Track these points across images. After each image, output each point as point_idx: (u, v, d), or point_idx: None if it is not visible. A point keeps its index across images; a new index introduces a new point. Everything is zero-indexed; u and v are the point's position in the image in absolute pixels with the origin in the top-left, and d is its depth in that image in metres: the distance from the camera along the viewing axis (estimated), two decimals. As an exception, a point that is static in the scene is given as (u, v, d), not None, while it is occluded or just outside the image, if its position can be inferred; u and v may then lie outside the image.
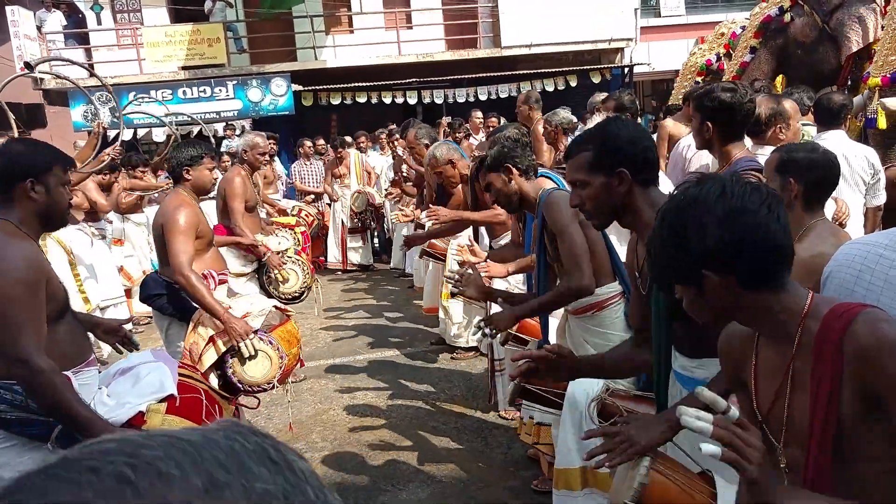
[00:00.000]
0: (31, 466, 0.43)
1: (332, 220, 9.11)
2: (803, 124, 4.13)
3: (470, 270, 3.27)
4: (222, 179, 5.00)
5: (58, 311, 2.28)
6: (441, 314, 5.56)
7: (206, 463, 0.44)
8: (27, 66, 5.01)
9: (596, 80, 13.85)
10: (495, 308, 4.18)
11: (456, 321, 5.44)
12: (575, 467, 2.56)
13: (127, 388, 2.48)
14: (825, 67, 6.25)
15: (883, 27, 5.63)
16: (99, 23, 14.88)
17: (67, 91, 12.56)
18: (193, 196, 3.64)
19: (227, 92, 13.25)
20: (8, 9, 12.67)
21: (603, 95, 6.29)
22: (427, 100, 13.83)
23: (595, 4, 13.85)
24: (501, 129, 4.91)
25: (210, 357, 3.37)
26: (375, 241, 9.90)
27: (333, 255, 9.17)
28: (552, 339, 3.15)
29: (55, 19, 14.33)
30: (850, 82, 6.12)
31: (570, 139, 5.22)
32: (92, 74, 6.16)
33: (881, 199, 4.03)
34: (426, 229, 5.37)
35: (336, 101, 13.55)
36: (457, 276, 3.21)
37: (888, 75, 5.15)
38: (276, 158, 9.34)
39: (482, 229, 4.99)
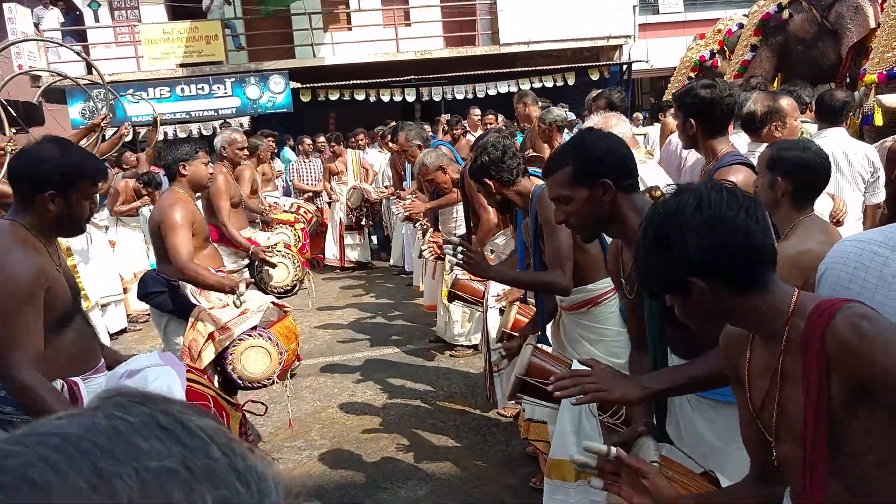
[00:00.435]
0: None
1: (331, 217, 9.11)
2: (802, 121, 4.13)
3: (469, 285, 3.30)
4: None
5: (64, 316, 2.23)
6: (441, 311, 5.57)
7: (87, 455, 0.39)
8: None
9: (594, 77, 13.84)
10: (493, 310, 4.20)
11: (456, 319, 5.44)
12: (570, 458, 2.56)
13: None
14: (825, 63, 6.25)
15: (880, 24, 5.63)
16: (96, 20, 14.85)
17: (65, 89, 12.53)
18: (190, 193, 3.65)
19: (225, 89, 13.24)
20: (5, 6, 12.64)
21: (597, 93, 6.30)
22: (425, 97, 13.82)
23: (594, 1, 13.85)
24: (486, 135, 4.94)
25: (209, 354, 3.38)
26: (374, 238, 9.90)
27: (331, 253, 9.17)
28: (549, 333, 3.15)
29: (52, 16, 14.30)
30: (848, 79, 6.12)
31: (565, 136, 5.23)
32: (89, 65, 6.14)
33: (881, 196, 4.03)
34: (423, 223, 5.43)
35: (334, 98, 13.54)
36: (503, 352, 3.24)
37: (884, 72, 5.16)
38: (276, 157, 9.35)
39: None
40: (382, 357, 5.68)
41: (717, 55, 7.77)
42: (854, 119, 5.22)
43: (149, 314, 7.29)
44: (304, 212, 7.25)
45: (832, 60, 6.25)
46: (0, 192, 4.69)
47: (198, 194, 3.88)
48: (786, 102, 3.60)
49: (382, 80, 13.52)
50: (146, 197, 6.96)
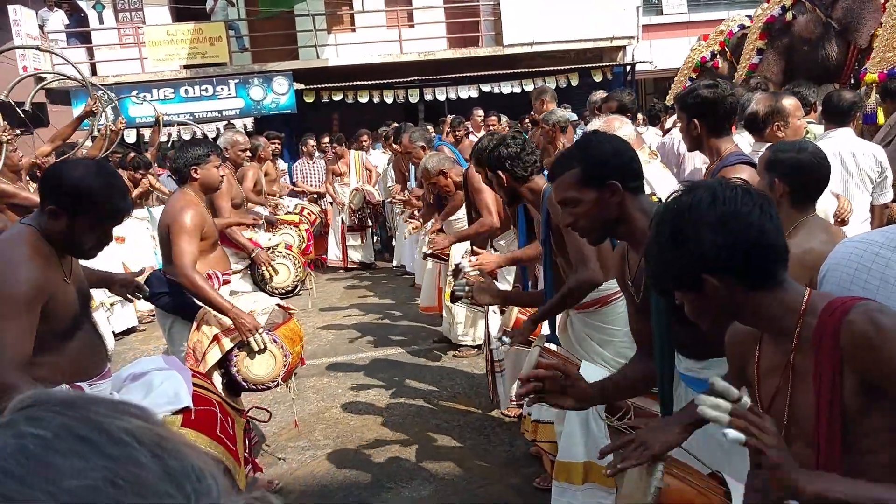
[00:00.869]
0: None
1: (333, 218, 9.12)
2: (807, 122, 4.12)
3: (481, 278, 3.29)
4: None
5: (69, 324, 2.25)
6: (444, 313, 5.58)
7: None
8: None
9: (597, 78, 13.83)
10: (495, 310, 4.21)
11: (459, 320, 5.45)
12: (578, 461, 2.56)
13: (139, 398, 2.41)
14: (831, 63, 6.24)
15: (882, 24, 5.62)
16: (101, 22, 14.89)
17: (70, 90, 12.57)
18: (200, 195, 3.62)
19: (228, 91, 13.26)
20: (10, 8, 12.69)
21: (600, 94, 6.29)
22: (429, 98, 13.83)
23: (597, 2, 13.84)
24: (484, 139, 4.96)
25: (214, 355, 3.38)
26: (376, 239, 9.90)
27: (334, 254, 9.19)
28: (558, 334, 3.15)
29: (57, 18, 14.35)
30: (852, 80, 6.11)
31: (578, 133, 5.23)
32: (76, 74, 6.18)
33: (888, 196, 4.03)
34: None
35: (338, 99, 13.55)
36: (467, 288, 3.22)
37: (885, 71, 5.16)
38: (280, 158, 9.36)
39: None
40: (386, 357, 5.69)
41: (717, 56, 7.77)
42: (858, 119, 5.22)
43: (153, 314, 7.34)
44: (308, 213, 7.27)
45: (837, 60, 6.25)
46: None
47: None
48: (788, 102, 3.60)
49: (386, 82, 13.53)
50: (144, 180, 6.95)
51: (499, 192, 3.27)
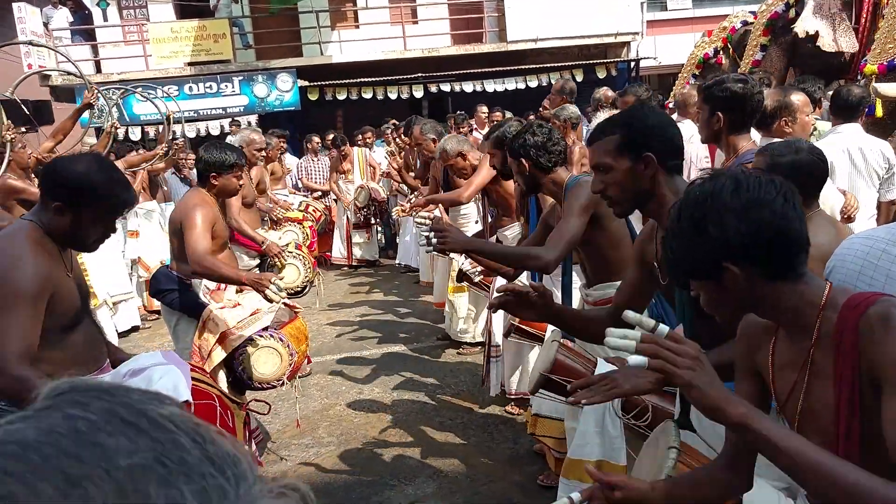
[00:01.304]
0: None
1: (338, 215, 9.12)
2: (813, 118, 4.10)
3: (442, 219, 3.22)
4: None
5: (72, 319, 2.26)
6: (447, 308, 5.57)
7: (50, 462, 0.36)
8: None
9: (602, 74, 13.80)
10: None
11: (461, 315, 5.45)
12: (591, 460, 2.54)
13: None
14: (835, 60, 6.20)
15: (884, 15, 5.59)
16: (105, 19, 14.92)
17: (74, 87, 12.59)
18: (214, 197, 3.59)
19: (232, 88, 13.27)
20: (15, 5, 12.71)
21: (604, 90, 6.27)
22: (433, 94, 13.81)
23: (601, -2, 13.82)
24: (502, 125, 4.91)
25: (219, 354, 3.38)
26: (381, 236, 9.90)
27: (338, 251, 9.19)
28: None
29: (61, 16, 14.37)
30: (859, 77, 6.07)
31: (584, 131, 5.22)
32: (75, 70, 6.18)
33: (895, 193, 4.01)
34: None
35: (342, 96, 13.55)
36: (431, 233, 3.07)
37: (885, 63, 5.12)
38: (285, 155, 9.35)
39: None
40: (390, 354, 5.69)
41: (720, 53, 7.74)
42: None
43: (158, 312, 7.35)
44: (313, 210, 7.27)
45: (840, 58, 6.20)
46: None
47: None
48: (796, 98, 3.58)
49: (390, 78, 13.52)
50: (138, 175, 6.92)
51: (517, 180, 3.22)
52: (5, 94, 5.11)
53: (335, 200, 9.20)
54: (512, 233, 4.75)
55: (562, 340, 2.57)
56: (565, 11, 13.61)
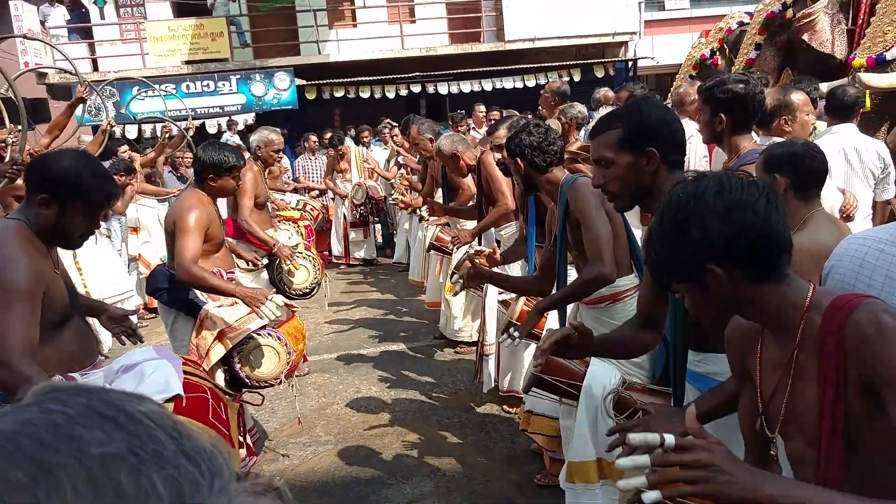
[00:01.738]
0: None
1: (335, 214, 9.12)
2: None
3: (467, 262, 3.27)
4: None
5: (62, 315, 2.28)
6: (442, 307, 5.58)
7: (24, 450, 0.38)
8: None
9: (600, 74, 13.81)
10: (492, 296, 4.20)
11: (456, 314, 5.45)
12: (591, 459, 2.54)
13: (131, 387, 2.44)
14: (831, 61, 6.21)
15: (875, 11, 5.60)
16: (102, 17, 14.89)
17: (71, 85, 12.56)
18: (210, 197, 3.58)
19: (230, 86, 13.25)
20: (11, 3, 12.68)
21: (604, 90, 6.27)
22: (431, 93, 13.81)
23: (599, -2, 13.83)
24: (503, 121, 4.89)
25: (217, 353, 3.37)
26: (378, 235, 9.90)
27: (336, 250, 9.19)
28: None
29: (58, 14, 14.34)
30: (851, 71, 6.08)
31: (581, 134, 5.23)
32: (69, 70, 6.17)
33: (891, 192, 4.02)
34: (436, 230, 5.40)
35: (339, 95, 13.54)
36: (461, 279, 3.21)
37: (873, 56, 5.13)
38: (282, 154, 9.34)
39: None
40: (387, 353, 5.69)
41: (717, 53, 7.75)
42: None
43: (155, 310, 7.33)
44: (311, 209, 7.26)
45: (836, 59, 6.21)
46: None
47: None
48: (796, 97, 3.59)
49: (387, 77, 13.51)
50: (129, 187, 6.91)
51: (514, 179, 3.23)
52: (1, 92, 5.08)
53: (332, 199, 9.20)
54: (508, 232, 4.75)
55: None
56: (563, 11, 13.62)
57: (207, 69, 13.54)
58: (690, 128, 5.11)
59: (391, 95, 13.60)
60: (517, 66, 13.80)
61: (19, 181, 4.83)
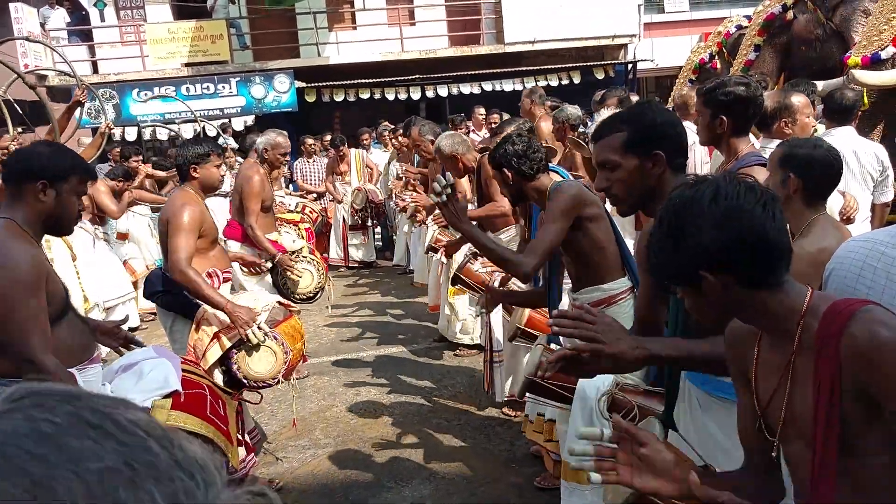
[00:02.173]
0: None
1: (334, 216, 9.12)
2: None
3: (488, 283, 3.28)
4: (240, 177, 4.98)
5: (59, 309, 2.32)
6: (447, 310, 5.56)
7: (14, 461, 0.36)
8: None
9: (599, 76, 13.82)
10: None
11: (461, 318, 5.44)
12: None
13: (130, 385, 2.50)
14: (829, 64, 6.22)
15: (871, 13, 5.61)
16: (102, 20, 14.90)
17: (71, 88, 12.56)
18: (200, 194, 3.62)
19: (230, 89, 13.25)
20: (11, 5, 12.69)
21: (605, 93, 6.29)
22: (430, 96, 13.82)
23: (599, 0, 13.82)
24: (510, 122, 4.90)
25: (214, 353, 3.37)
26: (378, 237, 9.90)
27: (335, 252, 9.18)
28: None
29: (58, 16, 14.36)
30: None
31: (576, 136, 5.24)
32: (68, 74, 6.20)
33: (889, 195, 4.02)
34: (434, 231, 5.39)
35: (339, 97, 13.54)
36: (483, 310, 3.22)
37: (868, 55, 5.14)
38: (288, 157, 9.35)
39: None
40: (387, 356, 5.68)
41: (715, 57, 7.76)
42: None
43: (155, 313, 7.32)
44: (310, 211, 7.26)
45: (836, 61, 6.22)
46: None
47: (229, 193, 3.83)
48: (797, 99, 3.59)
49: (387, 80, 13.52)
50: (127, 192, 6.92)
51: (503, 190, 3.25)
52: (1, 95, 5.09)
53: (331, 201, 9.19)
54: (507, 235, 4.75)
55: (546, 344, 2.58)
56: (563, 13, 13.64)
57: (207, 71, 13.55)
58: (693, 133, 5.12)
59: (391, 98, 13.60)
60: (517, 69, 13.81)
61: None
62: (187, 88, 13.14)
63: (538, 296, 3.28)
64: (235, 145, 10.48)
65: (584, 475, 2.54)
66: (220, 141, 10.46)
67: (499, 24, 14.50)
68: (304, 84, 13.39)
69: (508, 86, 13.62)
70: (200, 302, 3.47)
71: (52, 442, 0.38)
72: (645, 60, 15.11)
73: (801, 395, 1.30)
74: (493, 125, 7.56)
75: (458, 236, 5.09)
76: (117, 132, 12.07)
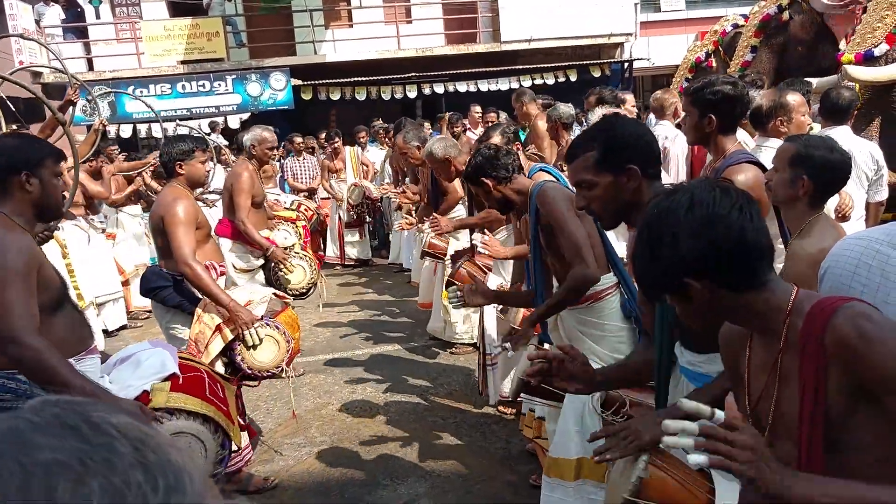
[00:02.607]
0: None
1: (331, 214, 9.10)
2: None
3: (469, 276, 3.29)
4: (230, 174, 4.99)
5: (54, 300, 2.33)
6: (442, 313, 5.55)
7: None
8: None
9: (596, 74, 13.83)
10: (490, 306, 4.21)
11: (455, 319, 5.44)
12: (571, 458, 2.56)
13: (129, 374, 2.55)
14: (825, 64, 6.24)
15: (866, 9, 5.63)
16: (98, 17, 14.85)
17: (66, 85, 12.53)
18: (188, 189, 3.65)
19: (226, 86, 13.23)
20: (6, 2, 12.63)
21: (609, 90, 6.31)
22: (427, 94, 13.81)
23: (595, -1, 13.85)
24: (495, 128, 4.92)
25: (217, 346, 3.40)
26: (374, 235, 9.89)
27: (331, 250, 9.17)
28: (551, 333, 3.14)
29: (54, 13, 14.29)
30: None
31: (572, 134, 5.25)
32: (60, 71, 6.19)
33: (883, 194, 4.03)
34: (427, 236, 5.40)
35: (335, 95, 13.52)
36: (459, 293, 3.22)
37: (862, 52, 5.16)
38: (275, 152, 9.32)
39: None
40: (382, 354, 5.68)
41: (712, 56, 7.77)
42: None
43: (149, 311, 7.31)
44: (305, 209, 7.26)
45: (832, 61, 6.24)
46: None
47: (219, 191, 3.85)
48: (792, 98, 3.60)
49: (383, 78, 13.51)
50: (138, 178, 6.91)
51: (488, 202, 3.24)
52: None
53: (325, 199, 9.18)
54: (500, 237, 4.75)
55: (536, 345, 2.58)
56: (559, 12, 13.64)
57: (203, 69, 13.51)
58: (672, 129, 5.18)
59: (387, 96, 13.59)
60: (513, 67, 13.81)
61: None
62: (183, 86, 13.11)
63: (530, 296, 3.29)
64: (224, 142, 10.45)
65: (569, 471, 2.57)
66: (213, 138, 10.45)
67: (495, 22, 14.50)
68: (300, 82, 13.37)
69: (505, 84, 13.62)
70: (201, 295, 3.49)
71: (18, 437, 0.40)
72: (641, 59, 15.12)
73: (788, 394, 1.31)
74: (490, 123, 7.57)
75: (451, 242, 5.11)
76: (112, 130, 12.04)
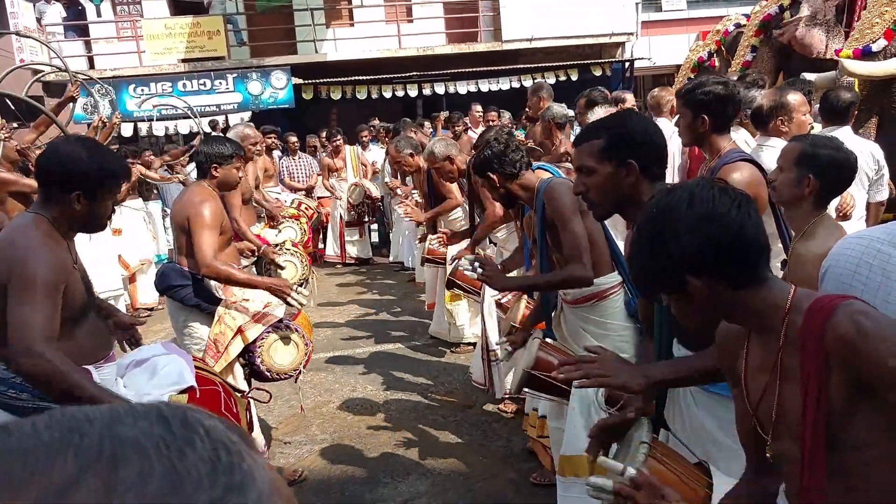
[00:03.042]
0: None
1: (331, 213, 9.11)
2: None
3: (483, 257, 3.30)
4: None
5: (79, 310, 2.31)
6: (445, 316, 5.55)
7: (62, 422, 0.41)
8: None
9: (597, 73, 13.82)
10: (491, 302, 4.22)
11: (461, 323, 5.44)
12: (583, 454, 2.57)
13: (144, 380, 2.51)
14: (827, 64, 6.24)
15: (866, 5, 5.63)
16: (99, 15, 14.86)
17: (67, 83, 12.53)
18: (216, 191, 3.60)
19: (226, 85, 13.23)
20: (7, 0, 12.64)
21: (599, 91, 6.31)
22: (427, 93, 13.81)
23: (596, -2, 13.85)
24: (485, 133, 4.95)
25: (237, 347, 3.39)
26: (375, 234, 9.90)
27: (332, 249, 9.17)
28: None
29: (55, 11, 14.30)
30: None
31: (566, 134, 5.26)
32: (64, 69, 6.19)
33: (884, 194, 4.04)
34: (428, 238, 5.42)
35: (336, 94, 13.52)
36: (509, 347, 3.19)
37: (860, 48, 5.17)
38: (275, 151, 9.32)
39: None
40: (383, 353, 5.69)
41: (714, 56, 7.77)
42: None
43: (152, 309, 7.33)
44: (306, 207, 7.27)
45: (832, 60, 6.24)
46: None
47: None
48: (793, 98, 3.59)
49: (384, 77, 13.51)
50: (134, 169, 6.93)
51: (493, 196, 3.25)
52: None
53: (322, 198, 9.17)
54: (501, 235, 4.76)
55: (542, 338, 2.59)
56: (560, 11, 13.64)
57: (204, 67, 13.52)
58: (669, 127, 5.19)
59: (388, 95, 13.59)
60: (514, 67, 13.81)
61: (11, 176, 4.83)
62: (184, 84, 13.12)
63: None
64: None
65: (584, 467, 2.57)
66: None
67: (496, 21, 14.50)
68: (301, 81, 13.37)
69: (506, 83, 13.62)
70: (219, 298, 3.49)
71: (114, 416, 0.42)
72: (642, 58, 15.11)
73: (790, 392, 1.32)
74: (491, 122, 7.57)
75: (449, 248, 5.12)
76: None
